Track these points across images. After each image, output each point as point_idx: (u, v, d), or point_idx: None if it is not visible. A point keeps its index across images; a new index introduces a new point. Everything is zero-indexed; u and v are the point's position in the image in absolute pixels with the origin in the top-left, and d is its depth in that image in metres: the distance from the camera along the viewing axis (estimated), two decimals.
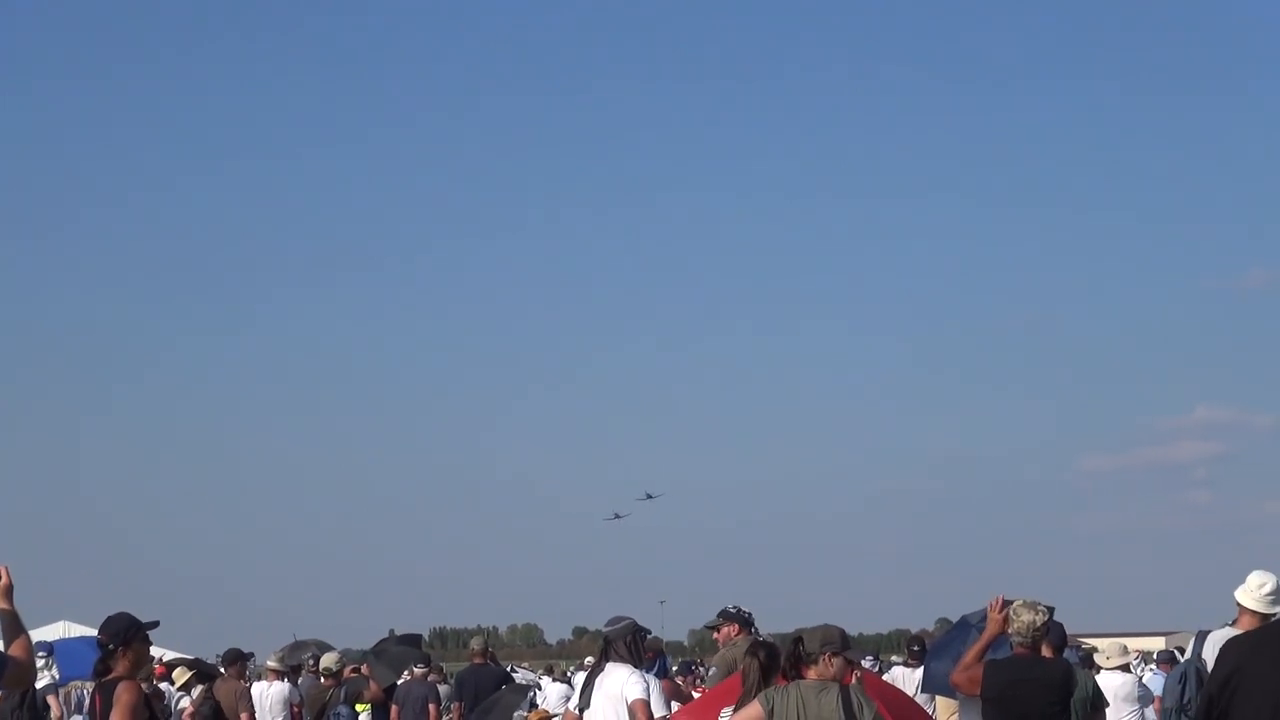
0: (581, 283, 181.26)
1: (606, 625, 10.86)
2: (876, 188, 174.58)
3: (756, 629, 12.49)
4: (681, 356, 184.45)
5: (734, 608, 12.35)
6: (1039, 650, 9.48)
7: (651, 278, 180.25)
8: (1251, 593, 9.30)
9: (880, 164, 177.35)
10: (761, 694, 8.33)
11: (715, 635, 12.40)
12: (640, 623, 10.71)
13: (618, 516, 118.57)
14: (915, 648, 18.40)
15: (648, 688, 10.40)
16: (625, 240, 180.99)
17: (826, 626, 8.49)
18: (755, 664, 8.92)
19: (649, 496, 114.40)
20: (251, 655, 20.48)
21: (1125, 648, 14.32)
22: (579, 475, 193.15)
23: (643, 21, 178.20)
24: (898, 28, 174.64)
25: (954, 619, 13.44)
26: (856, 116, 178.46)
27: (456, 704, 19.66)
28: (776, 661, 8.91)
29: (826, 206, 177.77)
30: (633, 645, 10.65)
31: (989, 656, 9.67)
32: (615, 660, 10.54)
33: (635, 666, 10.53)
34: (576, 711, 10.84)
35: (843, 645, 8.34)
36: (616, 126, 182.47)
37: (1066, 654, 12.06)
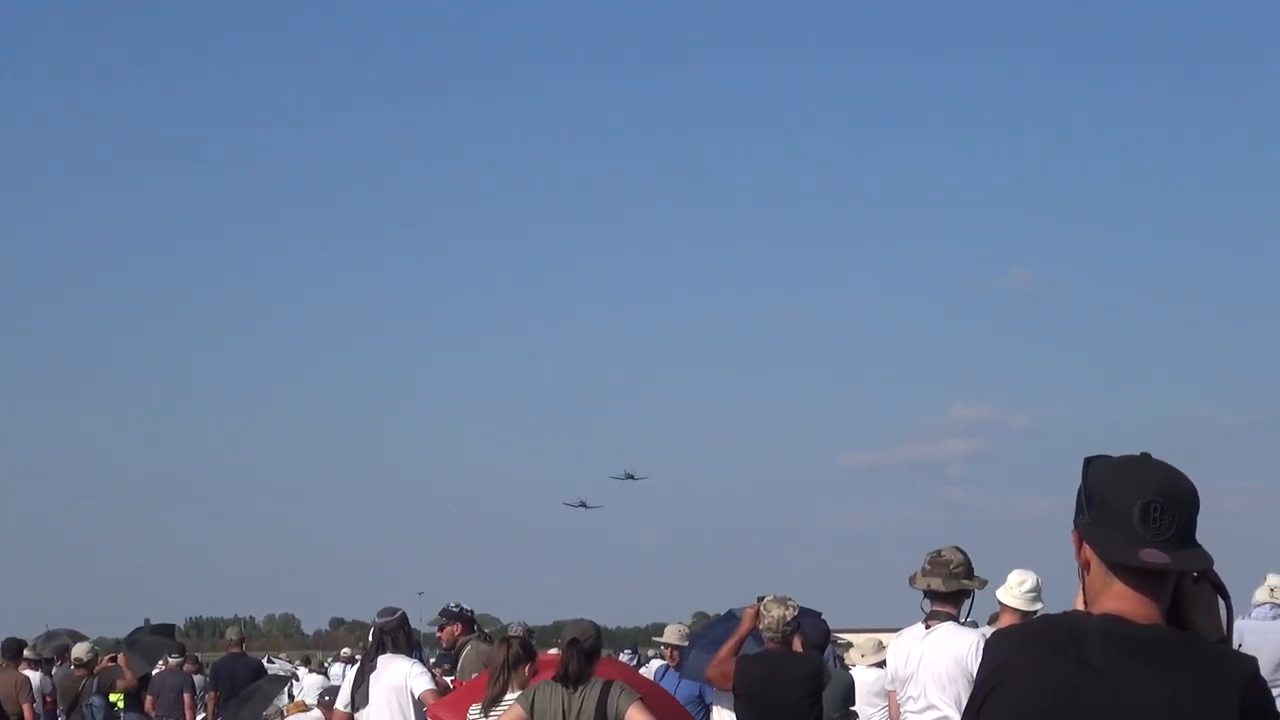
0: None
1: (379, 616, 10.70)
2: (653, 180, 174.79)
3: (479, 626, 12.52)
4: None
5: (456, 606, 12.29)
6: (790, 645, 9.63)
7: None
8: (1012, 590, 9.49)
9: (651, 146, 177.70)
10: (521, 693, 8.37)
11: (439, 634, 12.32)
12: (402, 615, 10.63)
13: (584, 506, 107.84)
14: None
15: (432, 678, 10.39)
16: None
17: (579, 621, 8.57)
18: (504, 654, 8.90)
19: (630, 478, 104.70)
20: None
21: (880, 643, 14.45)
22: (332, 460, 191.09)
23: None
24: None
25: (711, 614, 13.62)
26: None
27: (212, 693, 19.45)
28: (529, 654, 8.97)
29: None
30: (409, 636, 10.62)
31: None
32: (391, 651, 10.41)
33: (410, 657, 10.46)
34: (346, 709, 10.53)
35: (596, 640, 8.44)
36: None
37: (826, 650, 12.32)
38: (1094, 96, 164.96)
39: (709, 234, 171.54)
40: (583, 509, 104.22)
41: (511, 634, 10.26)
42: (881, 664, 13.59)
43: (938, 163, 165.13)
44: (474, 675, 10.82)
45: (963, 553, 8.46)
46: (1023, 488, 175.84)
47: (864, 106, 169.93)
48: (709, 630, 12.82)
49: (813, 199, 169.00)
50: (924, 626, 8.38)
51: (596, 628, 8.48)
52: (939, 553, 8.46)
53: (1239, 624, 11.62)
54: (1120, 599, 3.07)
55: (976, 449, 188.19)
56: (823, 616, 11.31)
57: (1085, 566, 3.15)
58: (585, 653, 8.24)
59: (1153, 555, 3.02)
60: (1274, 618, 11.63)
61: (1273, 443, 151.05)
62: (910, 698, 8.25)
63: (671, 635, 14.98)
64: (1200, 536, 3.08)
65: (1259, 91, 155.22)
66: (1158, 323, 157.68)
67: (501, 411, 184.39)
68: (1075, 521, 3.16)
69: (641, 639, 75.89)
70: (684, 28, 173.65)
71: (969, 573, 8.45)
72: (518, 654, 8.87)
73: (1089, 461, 3.17)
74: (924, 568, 8.43)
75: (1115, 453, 3.16)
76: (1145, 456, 3.15)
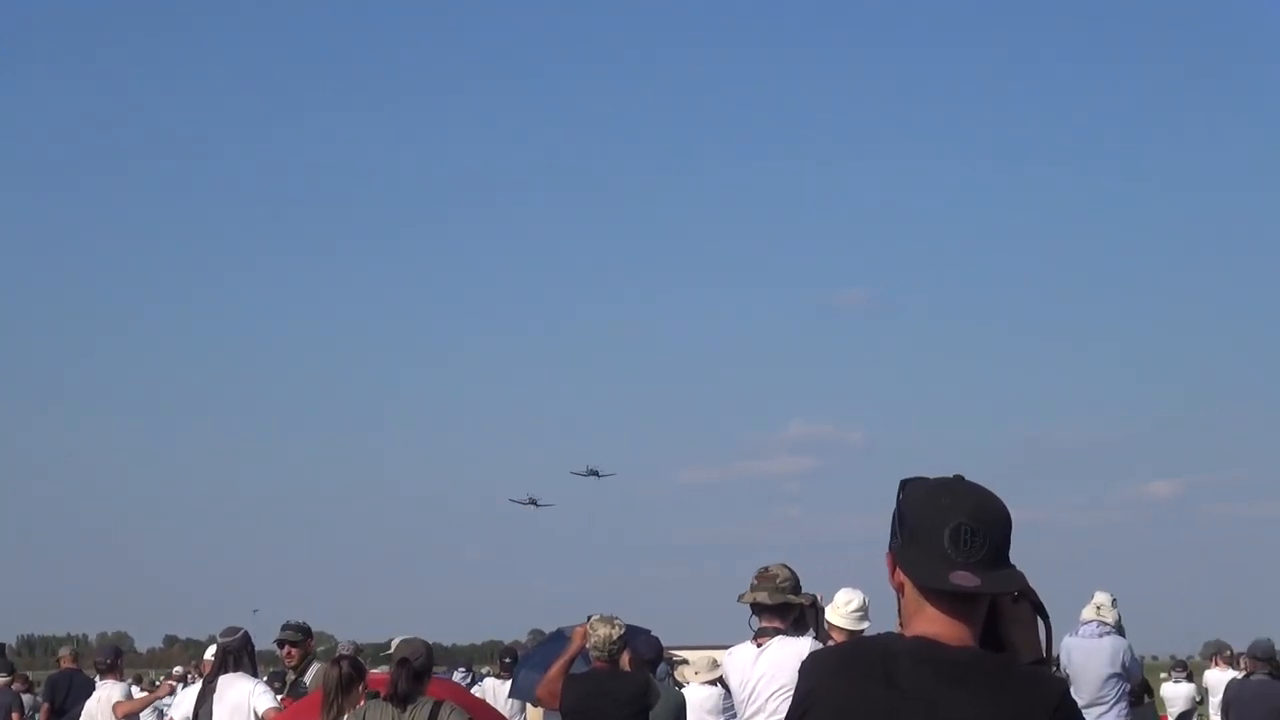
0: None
1: (221, 636, 10.66)
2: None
3: (313, 640, 12.43)
4: None
5: (296, 623, 12.10)
6: (617, 663, 9.64)
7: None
8: (839, 610, 9.55)
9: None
10: (352, 713, 8.32)
11: (285, 652, 12.09)
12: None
13: (534, 503, 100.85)
14: (507, 659, 18.50)
15: (275, 697, 10.32)
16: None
17: (410, 639, 8.53)
18: (335, 676, 8.83)
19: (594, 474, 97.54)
20: None
21: (715, 661, 14.50)
22: (172, 473, 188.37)
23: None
24: None
25: (548, 631, 13.57)
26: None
27: (45, 705, 19.13)
28: (360, 674, 8.89)
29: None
30: (252, 655, 10.56)
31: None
32: (234, 671, 10.37)
33: (254, 677, 10.44)
34: None
35: (427, 659, 8.39)
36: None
37: (660, 668, 12.31)
38: (935, 120, 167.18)
39: (547, 247, 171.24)
40: (532, 506, 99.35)
41: (341, 653, 10.18)
42: (714, 682, 13.64)
43: (781, 179, 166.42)
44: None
45: (790, 569, 8.53)
46: (858, 505, 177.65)
47: (703, 116, 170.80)
48: (539, 650, 12.76)
49: (648, 211, 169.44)
50: (754, 644, 8.42)
51: (427, 646, 8.47)
52: (766, 569, 8.53)
53: (1066, 641, 11.78)
54: (932, 622, 3.07)
55: (813, 466, 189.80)
56: (653, 633, 11.30)
57: (899, 589, 3.16)
58: (415, 672, 8.23)
59: (963, 578, 3.03)
60: (1100, 635, 11.79)
61: (1105, 461, 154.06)
62: (751, 715, 8.29)
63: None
64: (1038, 554, 3.08)
65: (1083, 119, 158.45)
66: (993, 343, 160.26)
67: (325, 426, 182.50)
68: (890, 544, 3.17)
69: (476, 656, 75.57)
70: None
71: (796, 588, 8.52)
72: (349, 674, 8.81)
73: (904, 484, 3.19)
74: (752, 584, 8.49)
75: (949, 472, 3.17)
76: (958, 479, 3.17)
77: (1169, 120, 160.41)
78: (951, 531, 3.04)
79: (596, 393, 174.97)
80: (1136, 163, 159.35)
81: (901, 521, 3.15)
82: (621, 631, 9.66)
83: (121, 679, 15.32)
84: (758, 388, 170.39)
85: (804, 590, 8.60)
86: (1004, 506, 3.14)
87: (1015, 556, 3.11)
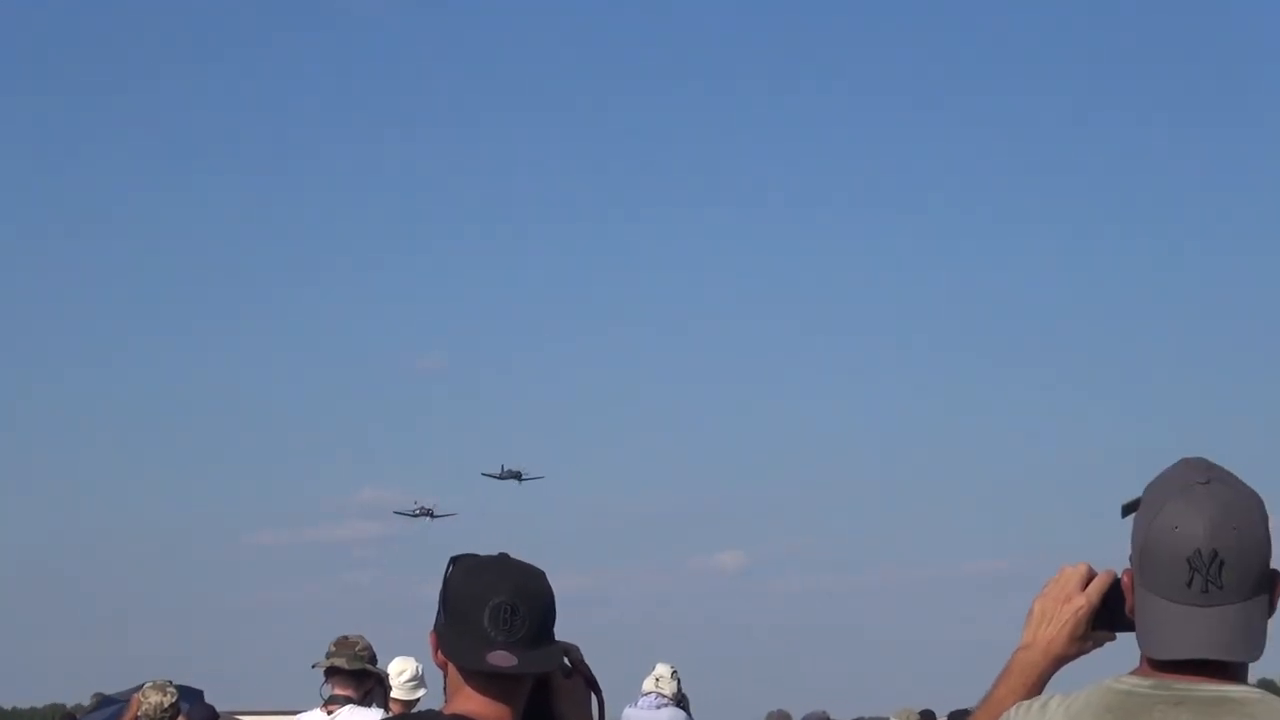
0: None
1: None
2: None
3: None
4: None
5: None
6: None
7: None
8: (393, 679, 9.56)
9: None
10: None
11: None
12: None
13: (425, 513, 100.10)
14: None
15: None
16: None
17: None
18: None
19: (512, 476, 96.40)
20: None
21: None
22: None
23: None
24: None
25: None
26: None
27: None
28: None
29: None
30: None
31: None
32: None
33: None
34: None
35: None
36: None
37: None
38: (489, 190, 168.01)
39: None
40: None
41: None
42: None
43: (364, 242, 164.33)
44: None
45: (367, 640, 8.54)
46: (427, 572, 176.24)
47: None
48: (91, 717, 12.41)
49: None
50: (323, 711, 8.38)
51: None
52: (345, 637, 8.53)
53: (627, 712, 12.00)
54: (470, 700, 3.08)
55: (381, 532, 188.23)
56: (204, 697, 11.12)
57: (443, 667, 3.16)
58: None
59: (500, 658, 3.04)
60: (659, 707, 12.03)
61: (669, 533, 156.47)
62: None
63: None
64: (596, 625, 3.12)
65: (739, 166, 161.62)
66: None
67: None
68: (435, 622, 3.18)
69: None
70: None
71: (373, 658, 8.51)
72: None
73: (452, 560, 3.18)
74: (329, 650, 8.47)
75: (523, 543, 3.20)
76: (503, 556, 3.19)
77: None
78: (491, 610, 3.07)
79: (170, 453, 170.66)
80: None
81: (444, 599, 3.15)
82: (174, 699, 9.52)
83: None
84: (333, 450, 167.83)
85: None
86: (547, 584, 3.18)
87: (576, 628, 3.15)
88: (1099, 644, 2.95)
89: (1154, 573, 2.64)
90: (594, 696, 3.25)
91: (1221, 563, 2.60)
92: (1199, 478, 2.67)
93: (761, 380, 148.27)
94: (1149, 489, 2.73)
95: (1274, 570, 2.67)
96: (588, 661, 3.27)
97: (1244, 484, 2.70)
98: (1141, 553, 2.68)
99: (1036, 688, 2.89)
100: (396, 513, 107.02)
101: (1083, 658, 2.95)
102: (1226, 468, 2.72)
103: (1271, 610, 2.66)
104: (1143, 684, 2.66)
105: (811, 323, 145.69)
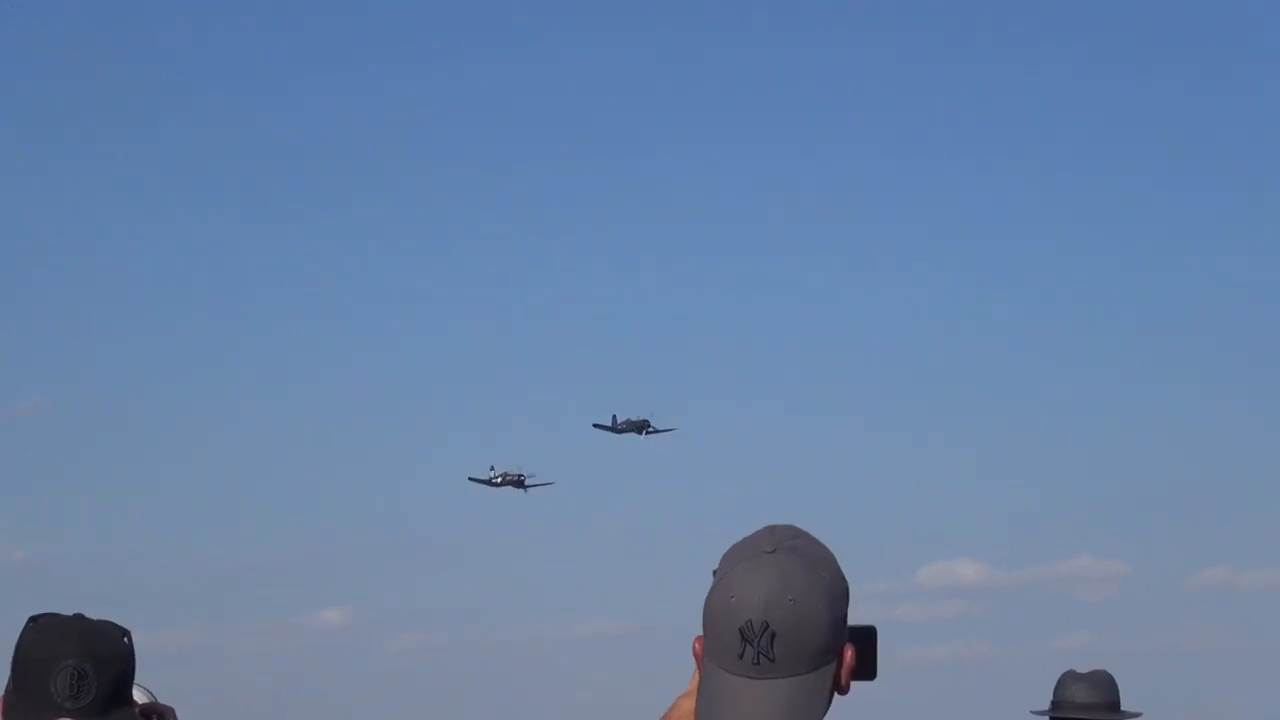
0: None
1: None
2: None
3: None
4: None
5: None
6: None
7: None
8: None
9: None
10: None
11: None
12: None
13: None
14: None
15: None
16: None
17: None
18: None
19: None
20: None
21: None
22: None
23: None
24: None
25: None
26: None
27: None
28: None
29: None
30: None
31: None
32: None
33: None
34: None
35: None
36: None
37: None
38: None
39: None
40: None
41: None
42: None
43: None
44: None
45: None
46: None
47: None
48: None
49: None
50: None
51: None
52: None
53: None
54: None
55: None
56: None
57: None
58: None
59: None
60: None
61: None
62: None
63: None
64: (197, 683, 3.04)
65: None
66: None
67: None
68: (4, 688, 3.04)
69: None
70: None
71: None
72: None
73: (30, 620, 3.05)
74: None
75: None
76: (79, 617, 3.05)
77: None
78: (59, 675, 2.94)
79: None
80: None
81: (14, 662, 3.01)
82: None
83: None
84: None
85: None
86: (123, 645, 3.06)
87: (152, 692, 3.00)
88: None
89: (714, 641, 2.52)
90: None
91: (774, 634, 2.46)
92: (766, 546, 2.55)
93: None
94: (724, 556, 2.61)
95: (843, 644, 2.55)
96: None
97: (819, 553, 2.57)
98: (704, 621, 2.57)
99: None
100: None
101: None
102: (813, 534, 2.60)
103: (837, 685, 2.54)
104: None
105: None
